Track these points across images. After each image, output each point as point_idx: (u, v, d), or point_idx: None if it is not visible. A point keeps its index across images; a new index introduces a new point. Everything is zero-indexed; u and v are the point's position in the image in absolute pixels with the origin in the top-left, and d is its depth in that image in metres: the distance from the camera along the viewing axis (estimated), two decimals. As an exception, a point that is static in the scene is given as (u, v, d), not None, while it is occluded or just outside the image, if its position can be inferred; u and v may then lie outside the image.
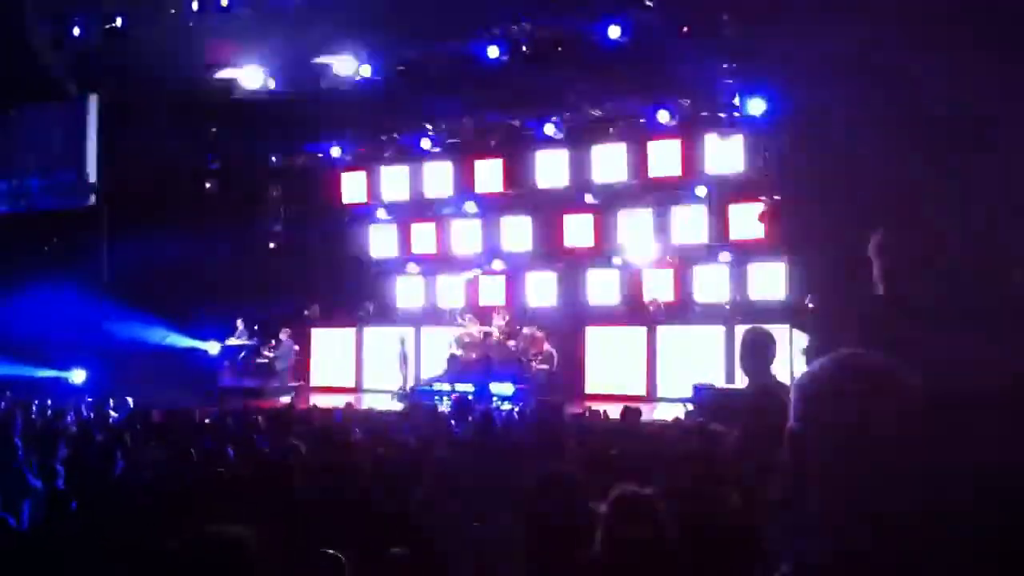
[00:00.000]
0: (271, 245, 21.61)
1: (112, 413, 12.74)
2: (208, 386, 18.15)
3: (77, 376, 18.34)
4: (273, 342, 19.28)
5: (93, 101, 20.60)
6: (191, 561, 2.89)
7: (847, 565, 1.59)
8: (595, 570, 3.43)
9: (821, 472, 1.63)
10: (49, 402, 13.53)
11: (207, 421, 11.11)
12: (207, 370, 19.03)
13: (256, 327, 19.73)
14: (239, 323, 19.60)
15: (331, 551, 4.13)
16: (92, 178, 20.49)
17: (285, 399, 16.84)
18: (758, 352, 4.89)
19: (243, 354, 19.48)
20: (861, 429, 1.59)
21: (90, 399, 14.69)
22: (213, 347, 19.22)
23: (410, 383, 17.81)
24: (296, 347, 19.43)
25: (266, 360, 19.42)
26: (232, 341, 19.49)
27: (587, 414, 12.03)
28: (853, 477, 1.59)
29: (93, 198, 20.43)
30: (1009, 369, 3.30)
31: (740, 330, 15.60)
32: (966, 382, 2.67)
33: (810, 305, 12.52)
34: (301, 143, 20.66)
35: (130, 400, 13.98)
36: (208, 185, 21.16)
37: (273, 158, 21.18)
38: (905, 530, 1.59)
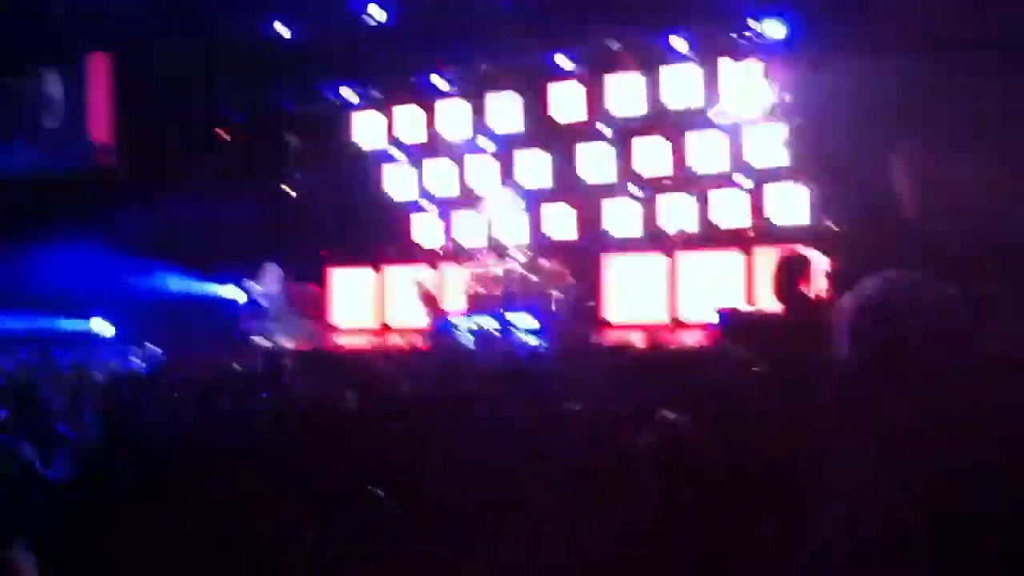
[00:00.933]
0: (292, 193, 21.55)
1: (140, 363, 12.83)
2: (234, 333, 18.25)
3: (105, 328, 18.46)
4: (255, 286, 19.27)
5: (102, 59, 20.41)
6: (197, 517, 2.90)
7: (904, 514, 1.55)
8: (649, 507, 3.42)
9: (876, 400, 1.59)
10: (75, 355, 13.63)
11: (236, 367, 11.15)
12: (232, 317, 19.10)
13: (280, 272, 19.77)
14: (266, 268, 19.62)
15: (376, 488, 4.16)
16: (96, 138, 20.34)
17: (310, 341, 16.92)
18: (793, 277, 4.84)
19: (268, 300, 19.54)
20: (916, 352, 1.55)
21: (118, 351, 14.81)
22: (240, 295, 19.29)
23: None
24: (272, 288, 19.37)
25: (292, 305, 19.50)
26: (255, 287, 19.53)
27: (614, 345, 12.02)
28: (907, 405, 1.55)
29: (95, 160, 20.29)
30: None
31: (761, 254, 15.69)
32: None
33: (835, 229, 12.42)
34: (316, 89, 20.50)
35: (157, 349, 14.10)
36: (227, 137, 21.04)
37: (288, 105, 21.05)
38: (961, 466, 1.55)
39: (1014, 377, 1.77)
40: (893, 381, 1.58)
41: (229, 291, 19.38)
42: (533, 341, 14.81)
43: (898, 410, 1.57)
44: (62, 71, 20.60)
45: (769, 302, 13.24)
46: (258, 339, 18.15)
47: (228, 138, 21.04)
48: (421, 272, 18.71)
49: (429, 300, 17.94)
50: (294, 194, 21.52)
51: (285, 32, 18.17)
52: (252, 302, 19.51)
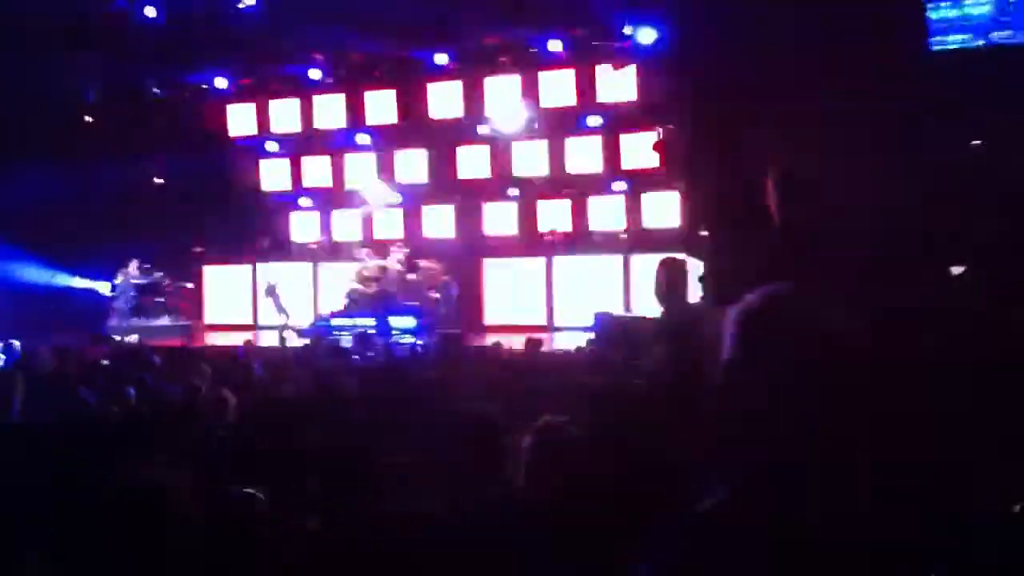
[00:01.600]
0: (158, 180, 20.89)
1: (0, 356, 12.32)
2: (98, 327, 17.67)
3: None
4: (119, 279, 18.77)
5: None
6: (118, 506, 2.84)
7: (774, 500, 1.64)
8: (518, 504, 3.47)
9: (756, 403, 1.67)
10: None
11: (103, 362, 10.82)
12: (96, 310, 18.48)
13: (148, 266, 19.23)
14: (133, 262, 19.04)
15: (247, 488, 4.10)
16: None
17: (178, 338, 16.53)
18: (675, 281, 4.97)
19: (133, 293, 18.99)
20: (800, 364, 1.64)
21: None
22: (103, 287, 18.67)
23: (282, 321, 17.73)
24: (138, 282, 18.91)
25: (161, 300, 19.02)
26: (121, 279, 18.97)
27: (489, 345, 12.10)
28: (789, 409, 1.64)
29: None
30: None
31: (636, 259, 16.02)
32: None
33: (704, 234, 12.74)
34: (184, 73, 19.92)
35: (16, 343, 13.53)
36: (88, 118, 20.29)
37: (156, 89, 20.38)
38: (835, 465, 1.65)
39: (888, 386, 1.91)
40: (767, 390, 1.67)
41: (89, 282, 18.75)
42: (409, 341, 14.80)
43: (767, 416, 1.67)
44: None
45: (643, 307, 13.58)
46: (122, 333, 17.66)
47: (90, 119, 20.29)
48: (268, 274, 18.55)
49: (272, 295, 17.88)
50: (159, 180, 20.85)
51: (152, 12, 17.60)
52: (115, 294, 18.93)
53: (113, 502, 2.91)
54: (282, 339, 13.18)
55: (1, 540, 4.25)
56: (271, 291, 18.24)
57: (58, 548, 3.89)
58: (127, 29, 17.92)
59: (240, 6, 17.14)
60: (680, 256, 5.35)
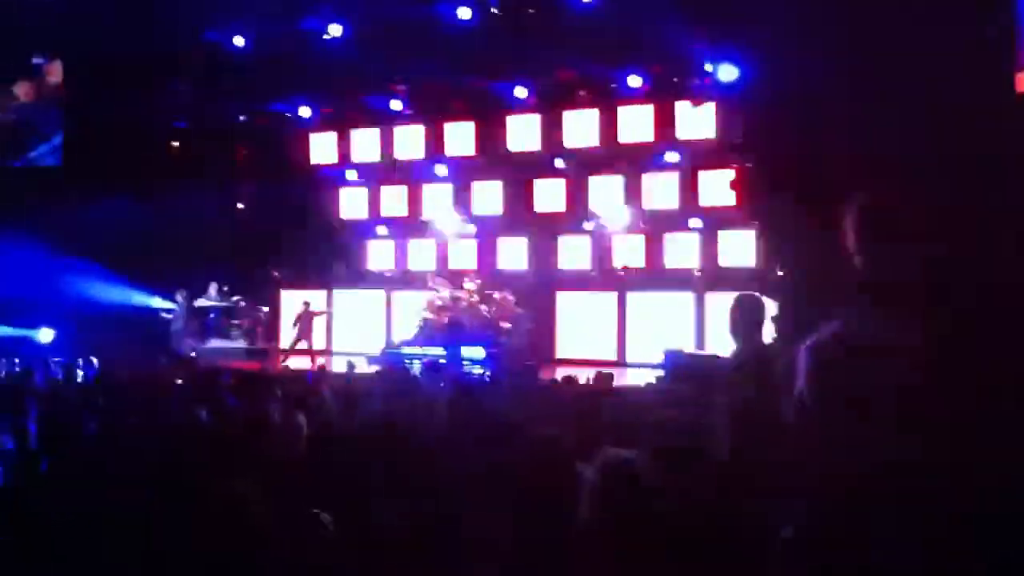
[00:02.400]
0: (239, 206, 21.36)
1: (79, 373, 12.62)
2: (181, 348, 18.04)
3: (44, 335, 18.14)
4: (176, 303, 19.06)
5: (58, 65, 20.24)
6: (196, 517, 2.87)
7: (848, 532, 1.61)
8: (584, 534, 3.44)
9: (830, 436, 1.64)
10: (17, 361, 13.38)
11: (178, 382, 11.02)
12: (182, 332, 18.85)
13: (227, 289, 19.59)
14: (213, 285, 19.44)
15: (316, 510, 4.12)
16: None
17: (255, 362, 16.77)
18: (751, 317, 4.90)
19: (213, 316, 19.35)
20: (870, 398, 1.60)
21: (57, 359, 14.55)
22: (191, 308, 19.06)
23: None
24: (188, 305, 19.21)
25: (237, 323, 19.35)
26: (201, 302, 19.34)
27: (559, 379, 12.05)
28: (860, 443, 1.61)
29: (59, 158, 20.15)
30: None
31: (710, 297, 15.87)
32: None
33: (780, 273, 12.57)
34: (269, 103, 20.33)
35: (95, 360, 13.87)
36: (175, 144, 20.83)
37: (241, 117, 20.84)
38: (907, 499, 1.61)
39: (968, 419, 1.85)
40: (845, 420, 1.64)
41: (170, 303, 19.09)
42: (479, 371, 14.81)
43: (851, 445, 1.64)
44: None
45: (715, 344, 13.43)
46: (197, 354, 17.99)
47: (176, 144, 20.82)
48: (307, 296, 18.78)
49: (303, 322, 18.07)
50: (241, 206, 21.31)
51: (239, 42, 18.04)
52: (193, 315, 19.28)
53: (203, 513, 2.95)
54: (350, 365, 13.28)
55: (97, 550, 4.34)
56: (304, 314, 18.42)
57: (148, 558, 3.95)
58: (216, 59, 18.41)
59: (325, 37, 17.46)
60: (756, 294, 5.27)
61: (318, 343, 19.51)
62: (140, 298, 19.25)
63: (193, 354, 17.33)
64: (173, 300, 19.03)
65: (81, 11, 17.57)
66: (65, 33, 18.41)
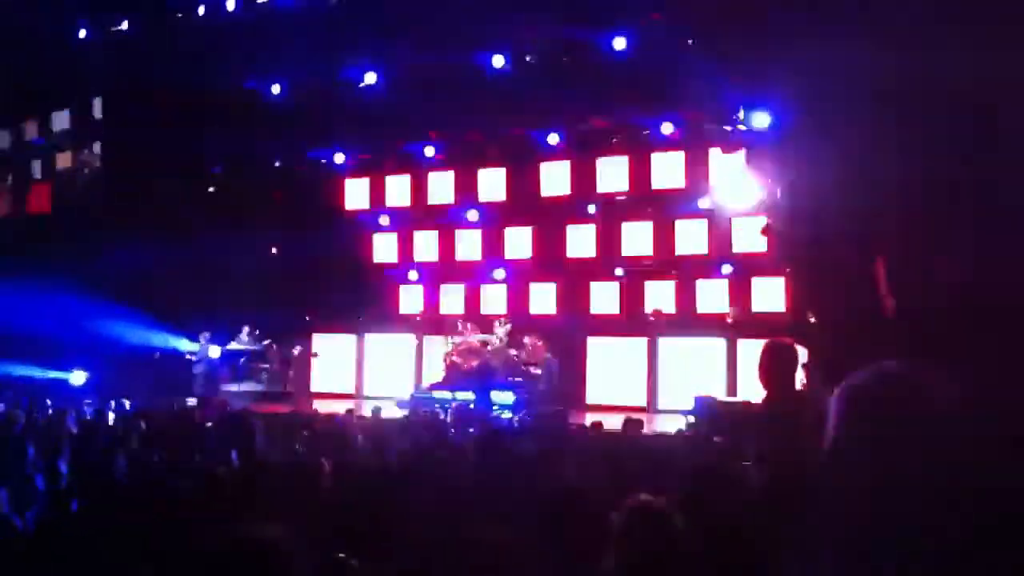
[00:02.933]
0: (273, 250, 21.55)
1: (111, 415, 12.71)
2: (208, 390, 18.12)
3: (77, 377, 18.31)
4: (199, 346, 19.13)
5: (97, 104, 20.62)
6: (227, 562, 2.87)
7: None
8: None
9: (863, 484, 1.62)
10: (49, 403, 13.50)
11: (208, 424, 11.08)
12: (206, 374, 18.94)
13: (258, 332, 19.73)
14: (245, 328, 19.59)
15: (343, 555, 4.12)
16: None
17: (285, 404, 16.81)
18: (782, 364, 4.87)
19: (244, 359, 19.47)
20: (908, 440, 1.59)
21: (89, 401, 14.67)
22: (214, 351, 19.15)
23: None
24: (217, 349, 19.29)
25: (266, 366, 19.46)
26: (233, 345, 19.47)
27: (587, 424, 12.01)
28: (898, 487, 1.59)
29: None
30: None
31: (742, 343, 15.76)
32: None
33: (812, 320, 12.50)
34: (305, 148, 20.59)
35: (127, 402, 13.99)
36: (211, 188, 21.11)
37: (276, 163, 21.10)
38: (948, 551, 1.59)
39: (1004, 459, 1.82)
40: (881, 469, 1.62)
41: (204, 347, 19.21)
42: (509, 416, 14.78)
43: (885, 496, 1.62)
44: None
45: (746, 391, 13.33)
46: (228, 396, 18.08)
47: (212, 189, 21.10)
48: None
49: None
50: (275, 250, 21.52)
51: (276, 90, 18.33)
52: (228, 358, 19.40)
53: (228, 558, 2.95)
54: (376, 409, 13.30)
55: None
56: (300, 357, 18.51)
57: None
58: (254, 106, 18.70)
59: (361, 85, 17.69)
60: (787, 341, 5.23)
61: (347, 386, 19.57)
62: (173, 341, 19.39)
63: (216, 396, 17.38)
64: (196, 342, 19.10)
65: (124, 55, 17.95)
66: (107, 76, 18.76)
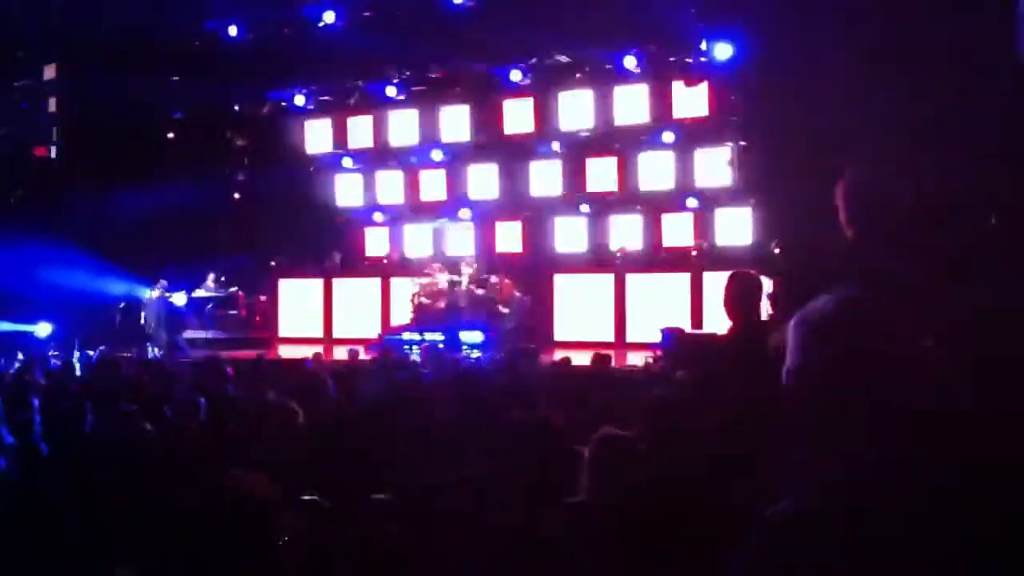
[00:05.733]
0: (235, 195, 21.36)
1: (77, 365, 12.64)
2: (174, 337, 18.04)
3: (42, 329, 18.14)
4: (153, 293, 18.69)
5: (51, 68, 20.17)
6: (206, 511, 2.89)
7: (848, 503, 1.62)
8: (582, 512, 3.47)
9: (826, 407, 1.65)
10: (20, 355, 13.39)
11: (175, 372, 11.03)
12: (173, 322, 18.81)
13: (224, 278, 19.60)
14: (210, 275, 19.43)
15: (312, 496, 4.15)
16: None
17: (252, 350, 16.75)
18: (746, 295, 4.91)
19: (210, 305, 19.35)
20: (870, 361, 1.61)
21: (55, 352, 14.57)
22: (179, 298, 18.99)
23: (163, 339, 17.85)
24: (183, 296, 19.12)
25: (234, 312, 19.36)
26: (199, 292, 19.34)
27: (557, 361, 12.09)
28: (860, 409, 1.61)
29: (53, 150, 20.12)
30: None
31: (708, 276, 15.87)
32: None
33: (776, 251, 12.59)
34: (264, 91, 20.31)
35: (92, 353, 13.90)
36: (171, 135, 20.82)
37: (236, 106, 20.82)
38: (907, 469, 1.62)
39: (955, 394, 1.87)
40: (837, 393, 1.65)
41: (172, 294, 19.00)
42: (478, 355, 14.84)
43: (837, 419, 1.65)
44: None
45: (712, 324, 13.44)
46: (197, 344, 18.03)
47: (171, 135, 20.82)
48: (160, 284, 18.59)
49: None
50: (237, 196, 21.34)
51: (233, 31, 18.00)
52: (193, 304, 19.27)
53: (208, 509, 2.96)
54: (353, 351, 13.30)
55: (94, 557, 4.36)
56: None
57: (150, 562, 3.97)
58: (212, 48, 18.38)
59: (320, 24, 17.41)
60: (752, 272, 5.27)
61: (315, 331, 19.51)
62: (137, 290, 19.20)
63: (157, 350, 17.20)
64: (153, 289, 18.68)
65: (78, 4, 17.52)
66: (61, 22, 18.32)
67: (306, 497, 4.26)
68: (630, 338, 16.77)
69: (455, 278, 17.45)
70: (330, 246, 20.42)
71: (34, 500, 4.95)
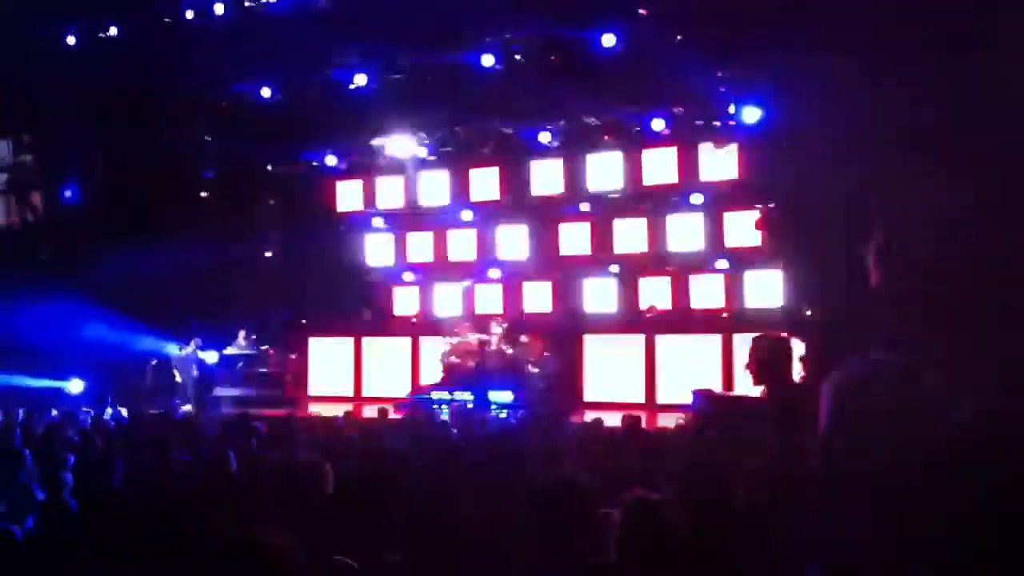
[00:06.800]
0: (267, 254, 21.59)
1: (109, 422, 12.70)
2: (205, 395, 18.12)
3: (74, 386, 18.26)
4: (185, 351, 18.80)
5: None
6: (229, 567, 2.89)
7: (879, 563, 1.61)
8: (609, 574, 3.44)
9: (856, 469, 1.65)
10: (54, 412, 13.48)
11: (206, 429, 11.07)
12: (204, 379, 18.90)
13: (254, 337, 19.71)
14: (241, 333, 19.56)
15: (342, 557, 4.14)
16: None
17: (283, 409, 16.78)
18: (776, 358, 4.88)
19: (241, 363, 19.43)
20: (901, 423, 1.61)
21: (86, 408, 14.65)
22: (211, 356, 19.10)
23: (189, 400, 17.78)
24: (215, 354, 19.21)
25: (265, 370, 19.42)
26: (230, 350, 19.44)
27: (587, 422, 12.03)
28: (888, 471, 1.61)
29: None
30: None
31: (738, 338, 15.77)
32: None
33: (808, 313, 12.51)
34: (297, 151, 20.59)
35: (123, 410, 13.99)
36: (204, 194, 21.10)
37: (269, 166, 21.12)
38: (936, 527, 1.61)
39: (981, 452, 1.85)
40: (868, 453, 1.64)
41: (192, 352, 19.08)
42: (507, 415, 14.78)
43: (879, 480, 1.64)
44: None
45: (745, 386, 13.34)
46: (227, 401, 18.05)
47: (205, 194, 21.09)
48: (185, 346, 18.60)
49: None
50: (269, 254, 21.56)
51: (266, 93, 18.29)
52: (225, 362, 19.35)
53: (228, 563, 2.97)
54: (382, 411, 13.31)
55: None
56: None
57: None
58: (244, 110, 18.68)
59: (351, 87, 17.66)
60: (781, 334, 5.26)
61: (345, 390, 19.53)
62: (168, 347, 19.32)
63: (189, 407, 17.23)
64: (181, 347, 18.77)
65: (111, 60, 17.86)
66: (93, 80, 18.66)
67: (337, 557, 4.24)
68: (661, 399, 16.66)
69: (485, 337, 17.45)
70: (360, 305, 20.52)
71: (61, 553, 4.95)
